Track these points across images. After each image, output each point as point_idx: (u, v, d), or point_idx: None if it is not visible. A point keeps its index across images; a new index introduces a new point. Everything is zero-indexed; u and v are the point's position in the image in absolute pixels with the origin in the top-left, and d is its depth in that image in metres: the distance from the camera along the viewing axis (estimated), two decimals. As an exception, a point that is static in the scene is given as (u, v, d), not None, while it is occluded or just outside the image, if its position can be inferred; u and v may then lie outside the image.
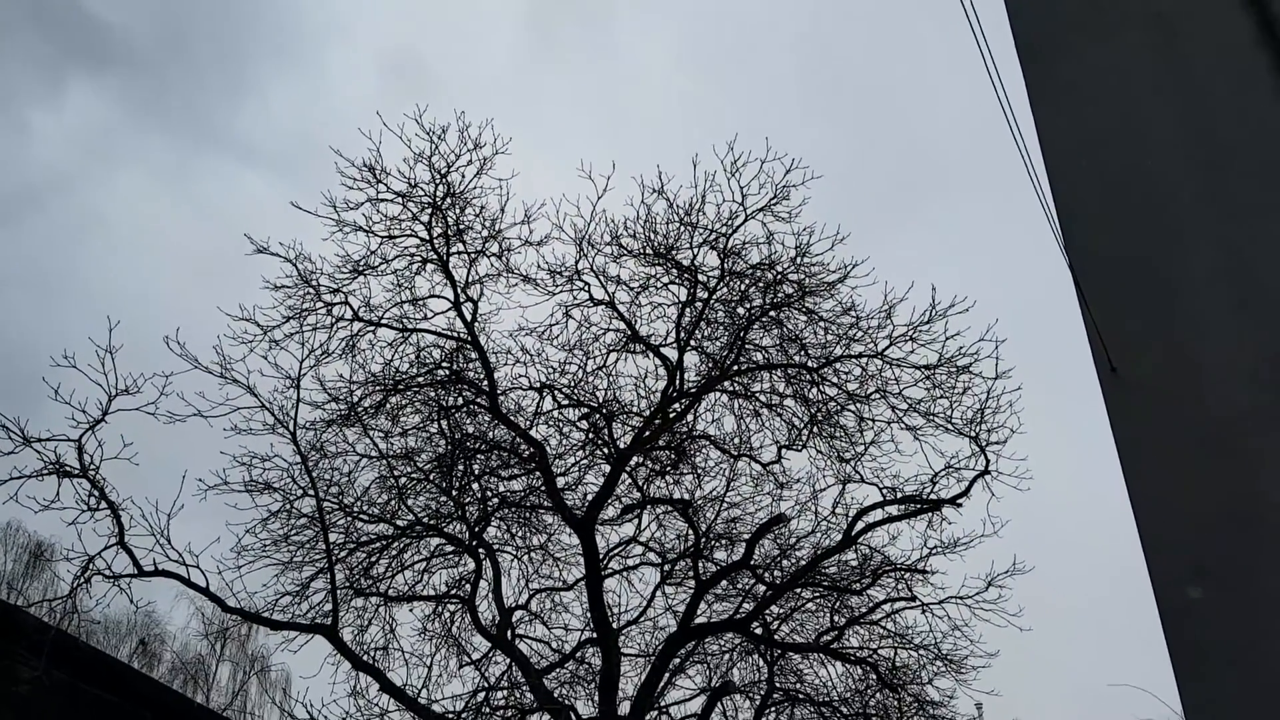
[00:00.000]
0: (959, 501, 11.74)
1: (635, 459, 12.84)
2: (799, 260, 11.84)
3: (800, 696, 13.47)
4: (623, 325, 12.42)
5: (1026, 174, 5.90)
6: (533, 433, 12.80)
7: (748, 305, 12.39)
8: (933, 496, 11.95)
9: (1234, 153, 6.17)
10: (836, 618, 13.19)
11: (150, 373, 10.25)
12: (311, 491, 12.00)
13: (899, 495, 12.34)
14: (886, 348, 11.69)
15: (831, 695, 13.26)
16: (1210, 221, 6.02)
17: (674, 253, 11.97)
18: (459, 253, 12.21)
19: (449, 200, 11.94)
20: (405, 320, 12.43)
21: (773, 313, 12.31)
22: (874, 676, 12.77)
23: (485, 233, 12.18)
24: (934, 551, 12.12)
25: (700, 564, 12.89)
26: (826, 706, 13.20)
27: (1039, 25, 7.12)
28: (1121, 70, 6.66)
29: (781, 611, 13.61)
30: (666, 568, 13.95)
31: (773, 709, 13.21)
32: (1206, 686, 4.96)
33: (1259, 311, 5.68)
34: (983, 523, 11.62)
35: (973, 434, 11.48)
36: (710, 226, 11.88)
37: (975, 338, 11.26)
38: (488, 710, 11.08)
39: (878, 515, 12.46)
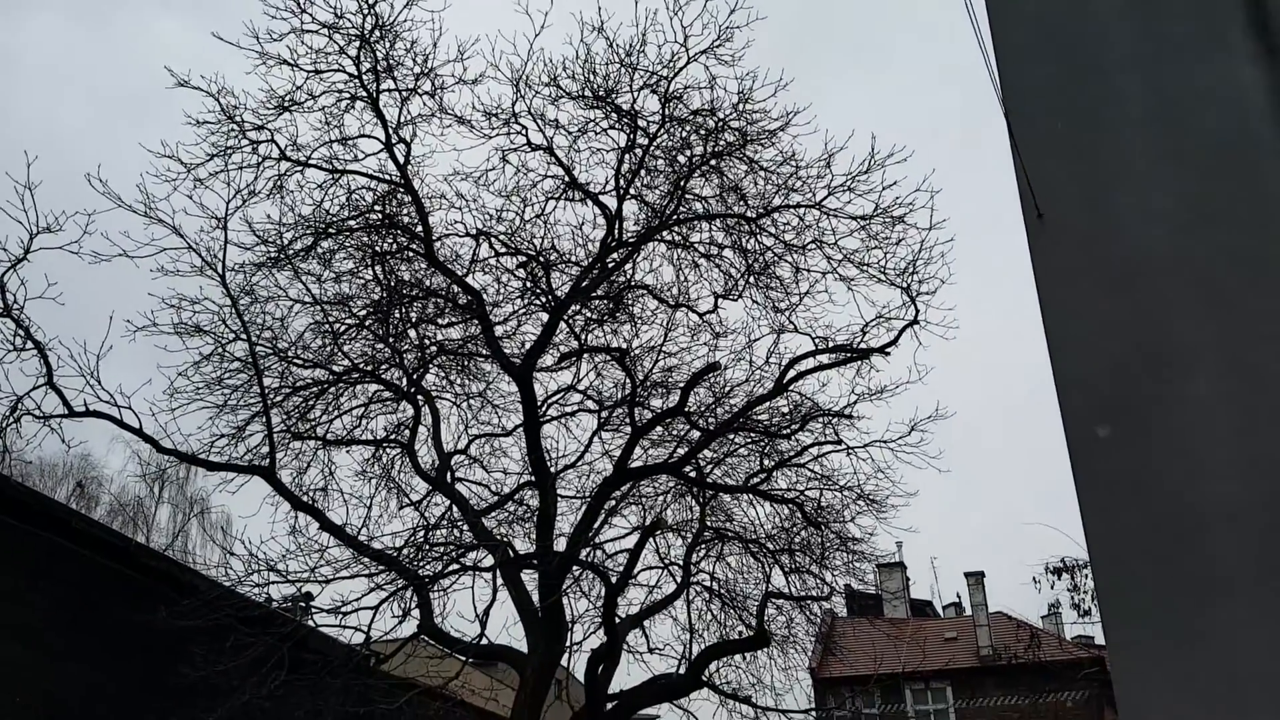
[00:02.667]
0: (887, 350, 12.05)
1: (573, 308, 12.87)
2: (741, 107, 11.65)
3: (729, 534, 14.03)
4: (561, 171, 12.21)
5: (968, 17, 5.84)
6: (470, 280, 12.72)
7: (688, 153, 12.24)
8: (862, 346, 12.24)
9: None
10: (766, 461, 13.65)
11: (72, 211, 9.94)
12: (244, 336, 11.87)
13: (830, 345, 12.61)
14: (825, 198, 11.70)
15: (758, 533, 13.85)
16: (1142, 66, 6.06)
17: (614, 96, 11.69)
18: (390, 90, 11.77)
19: (378, 33, 11.43)
20: (335, 161, 12.06)
21: (713, 161, 12.19)
22: (799, 515, 13.32)
23: (417, 69, 11.73)
24: (861, 398, 12.50)
25: (636, 411, 13.13)
26: (754, 543, 13.79)
27: None
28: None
29: (714, 456, 14.01)
30: (604, 414, 14.21)
31: (703, 546, 13.75)
32: (1109, 518, 5.27)
33: (1181, 157, 5.79)
34: (909, 370, 11.97)
35: (904, 284, 11.69)
36: (651, 69, 11.58)
37: (911, 188, 11.32)
38: (427, 548, 11.35)
39: (809, 364, 12.77)
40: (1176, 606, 5.02)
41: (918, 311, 11.74)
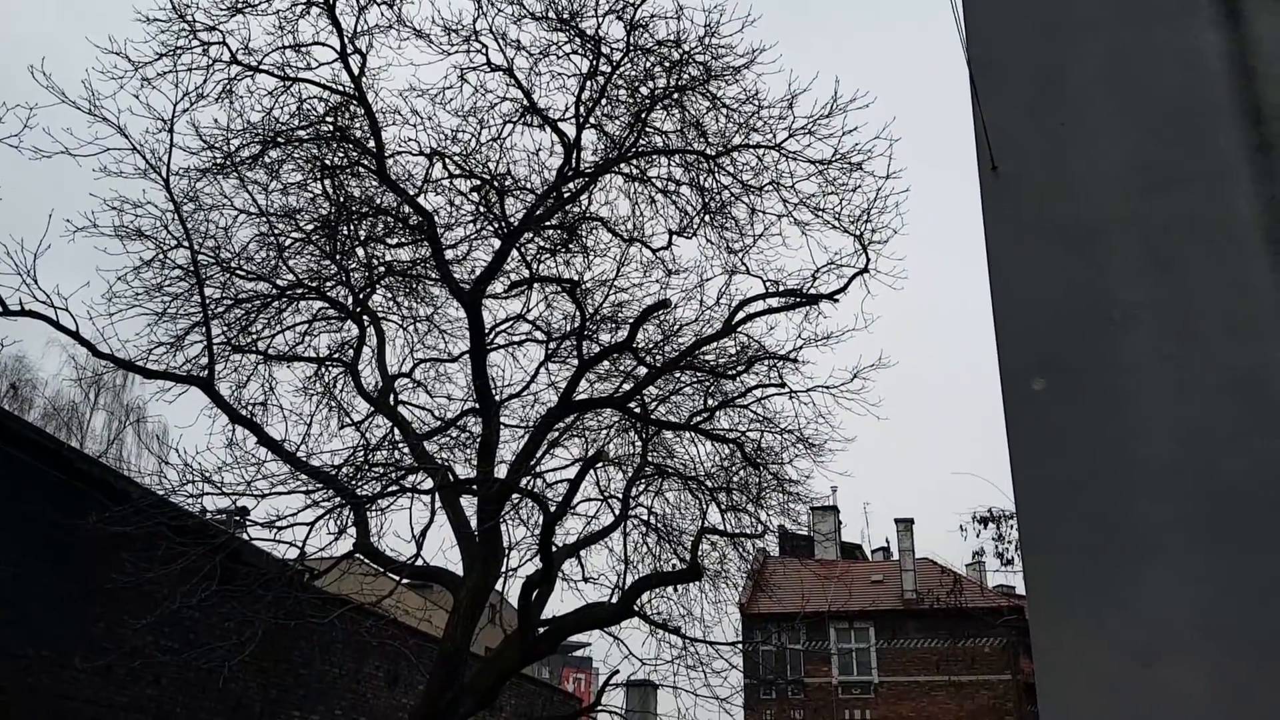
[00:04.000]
0: (836, 297, 12.14)
1: (526, 236, 12.73)
2: (707, 40, 11.49)
3: (669, 470, 14.18)
4: (520, 95, 11.99)
5: (939, -39, 5.78)
6: (421, 201, 12.51)
7: (651, 85, 12.07)
8: (812, 291, 12.31)
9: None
10: (710, 400, 13.76)
11: (13, 104, 9.56)
12: (186, 243, 11.59)
13: (781, 289, 12.67)
14: (785, 139, 11.66)
15: (698, 470, 14.01)
16: (1106, 26, 6.07)
17: (578, 19, 11.46)
18: (346, -4, 11.42)
19: (337, -66, 11.05)
20: (287, 68, 11.71)
21: (676, 95, 12.04)
22: (739, 455, 13.48)
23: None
24: (808, 343, 12.61)
25: (584, 344, 13.12)
26: (693, 480, 13.96)
27: None
28: None
29: (660, 393, 14.09)
30: (551, 345, 14.18)
31: (643, 480, 13.87)
32: (1038, 471, 5.38)
33: (1138, 118, 5.83)
34: (855, 318, 12.09)
35: (857, 232, 11.74)
36: (619, -7, 11.36)
37: (871, 135, 11.31)
38: (367, 468, 11.31)
39: (758, 306, 12.84)
40: (1098, 562, 5.16)
41: (868, 260, 11.83)
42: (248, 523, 10.62)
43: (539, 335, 14.22)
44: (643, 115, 12.05)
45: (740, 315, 12.79)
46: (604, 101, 12.03)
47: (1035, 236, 5.78)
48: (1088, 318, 5.53)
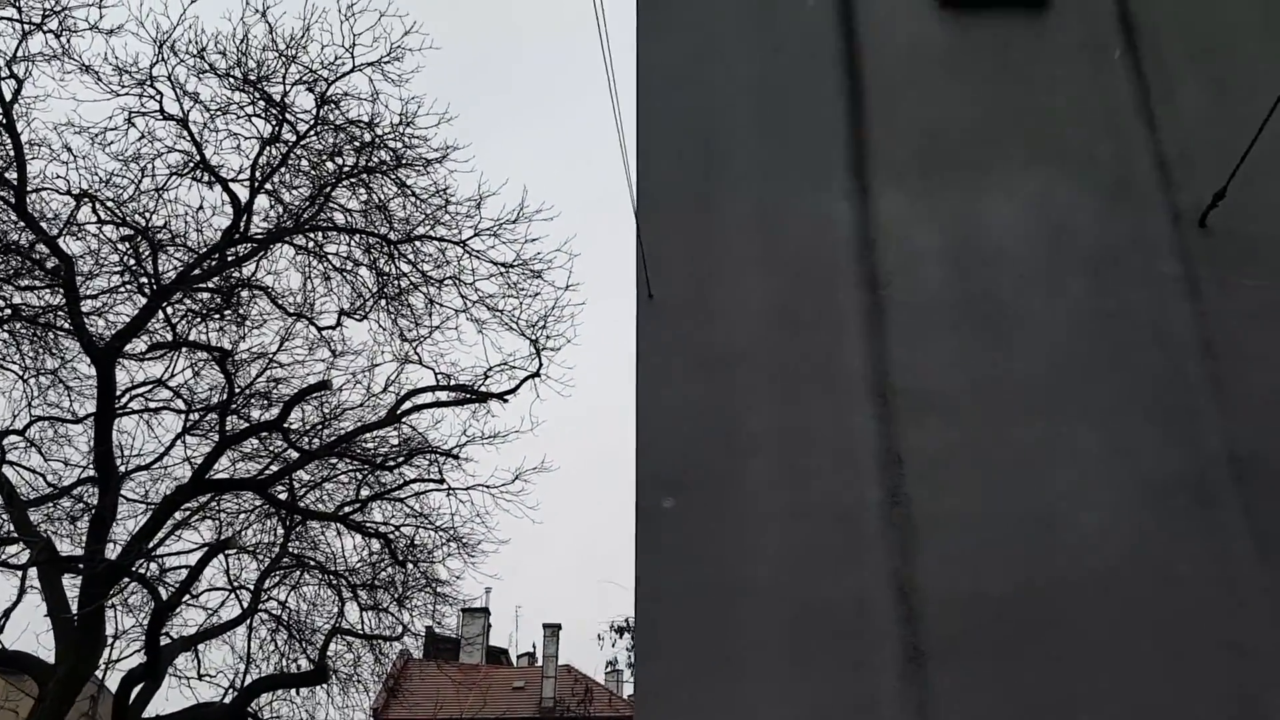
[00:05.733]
0: (506, 398, 12.25)
1: (177, 296, 11.84)
2: (401, 128, 11.49)
3: (311, 563, 13.42)
4: (192, 148, 11.30)
5: (613, 109, 6.14)
6: (62, 243, 11.32)
7: (338, 161, 11.82)
8: (483, 389, 12.35)
9: (787, 121, 6.89)
10: (365, 490, 13.28)
11: None
12: None
13: (452, 383, 12.60)
14: (470, 237, 11.79)
15: (343, 564, 13.38)
16: (758, 184, 6.69)
17: (265, 83, 11.06)
18: (9, 19, 10.36)
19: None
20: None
21: (364, 175, 11.86)
22: (388, 551, 13.04)
23: (46, 4, 10.42)
24: (473, 440, 12.57)
25: (230, 418, 12.28)
26: (335, 575, 13.29)
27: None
28: (717, 20, 7.20)
29: (311, 479, 13.42)
30: (194, 417, 13.14)
31: (279, 571, 13.03)
32: (658, 585, 5.58)
33: (777, 267, 6.42)
34: (522, 420, 12.24)
35: (533, 337, 11.98)
36: (312, 66, 11.12)
37: (554, 246, 11.70)
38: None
39: (427, 399, 12.68)
40: (705, 676, 5.40)
41: (541, 365, 12.07)
42: None
43: (180, 404, 13.15)
44: (326, 189, 11.73)
45: (407, 405, 12.58)
46: (284, 169, 11.61)
47: (679, 362, 6.15)
48: (718, 442, 5.91)
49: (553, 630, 35.67)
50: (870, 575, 5.55)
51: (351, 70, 11.16)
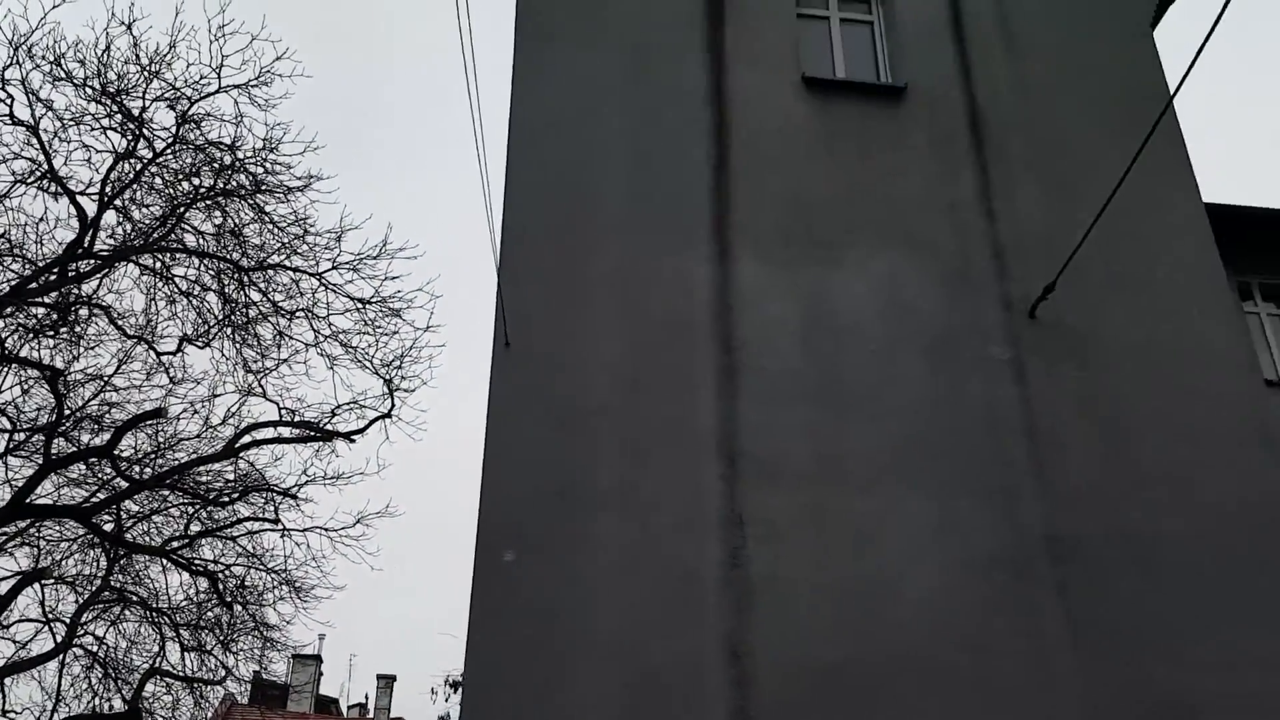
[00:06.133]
0: (354, 438, 11.90)
1: (9, 309, 11.12)
2: (264, 153, 11.16)
3: (134, 599, 12.64)
4: (40, 156, 10.71)
5: (477, 154, 6.15)
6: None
7: (195, 182, 11.39)
8: (329, 427, 11.96)
9: (656, 184, 7.03)
10: (195, 526, 12.63)
11: None
12: None
13: (297, 419, 12.17)
14: (327, 270, 11.47)
15: (167, 602, 12.66)
16: (622, 248, 6.78)
17: (124, 97, 10.62)
18: None
19: None
20: None
21: (221, 198, 11.44)
22: (215, 591, 12.41)
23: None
24: (313, 480, 12.13)
25: (57, 441, 11.53)
26: (158, 612, 12.55)
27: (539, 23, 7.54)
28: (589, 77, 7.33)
29: (140, 510, 12.68)
30: (19, 437, 12.28)
31: (99, 605, 12.23)
32: (492, 639, 5.49)
33: (636, 328, 6.50)
34: (367, 461, 11.91)
35: (387, 376, 11.70)
36: (175, 84, 10.74)
37: (415, 286, 11.52)
38: None
39: (269, 434, 12.19)
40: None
41: (393, 406, 11.79)
42: None
43: (4, 423, 12.27)
44: (179, 210, 11.27)
45: (247, 439, 12.05)
46: (137, 186, 11.12)
47: (532, 413, 6.13)
48: (564, 497, 5.89)
49: (387, 681, 34.45)
50: (706, 637, 5.60)
51: (217, 91, 10.85)
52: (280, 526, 12.31)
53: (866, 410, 6.47)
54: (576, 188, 6.96)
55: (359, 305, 11.61)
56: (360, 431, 11.97)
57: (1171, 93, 6.19)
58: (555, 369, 6.30)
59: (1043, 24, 8.18)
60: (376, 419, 11.88)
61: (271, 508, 12.35)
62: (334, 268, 11.44)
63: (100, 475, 12.62)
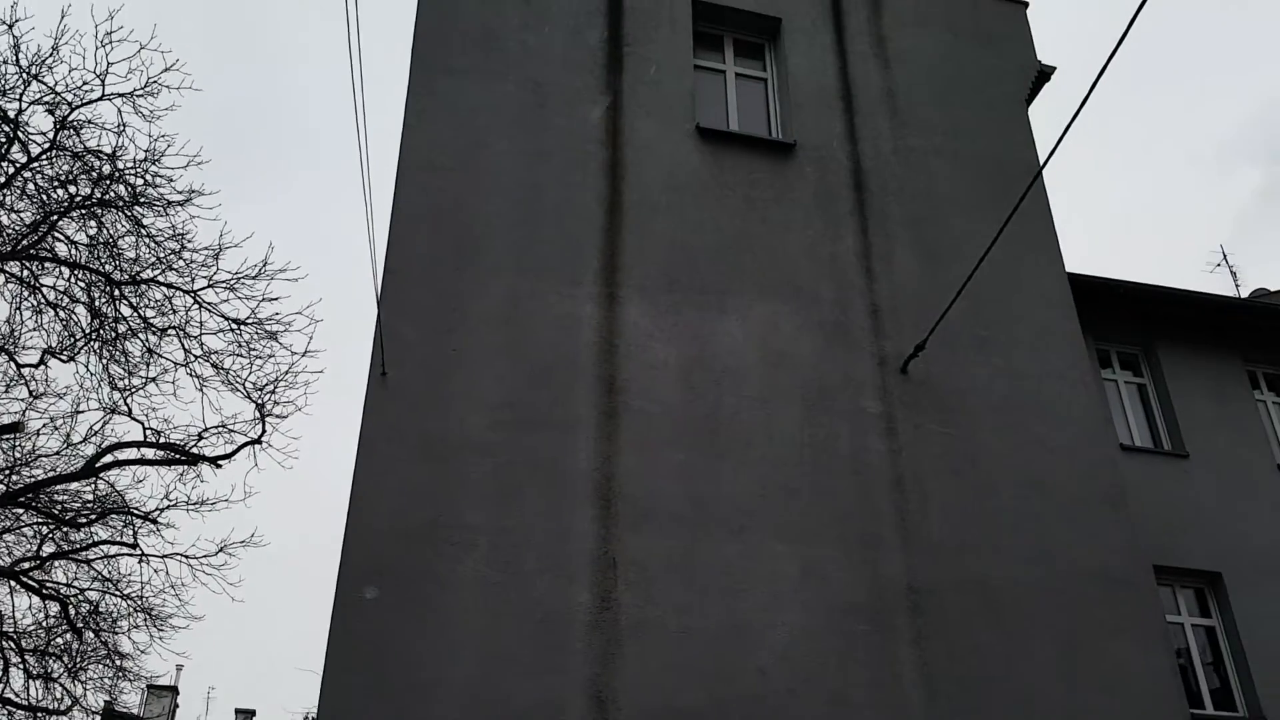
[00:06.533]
0: (221, 463, 11.49)
1: None
2: (146, 165, 10.78)
3: (-25, 623, 11.90)
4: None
5: (362, 177, 6.08)
6: None
7: (71, 189, 10.93)
8: (196, 450, 11.53)
9: (545, 222, 7.05)
10: (48, 547, 11.99)
11: None
12: None
13: (162, 440, 11.69)
14: (203, 288, 11.10)
15: (9, 626, 11.94)
16: (507, 289, 6.76)
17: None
18: None
19: None
20: None
21: (97, 208, 11.00)
22: (64, 616, 11.78)
23: None
24: (176, 505, 11.66)
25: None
26: (2, 635, 11.83)
27: (436, 55, 7.52)
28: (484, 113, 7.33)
29: (-15, 530, 11.97)
30: None
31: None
32: (348, 677, 5.34)
33: (518, 365, 6.46)
34: (233, 488, 11.52)
35: (259, 401, 11.35)
36: (55, 88, 10.33)
37: (295, 309, 11.24)
38: None
39: (132, 454, 11.69)
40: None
41: (264, 432, 11.43)
42: None
43: None
44: (51, 217, 10.79)
45: (108, 459, 11.51)
46: (7, 191, 10.61)
47: (404, 446, 6.02)
48: (432, 533, 5.79)
49: (246, 716, 33.12)
50: (569, 682, 5.56)
51: (101, 98, 10.47)
52: (139, 551, 11.79)
53: (741, 455, 6.56)
54: (465, 221, 6.92)
55: (234, 326, 11.26)
56: (228, 456, 11.57)
57: (1039, 167, 6.54)
58: (431, 403, 6.21)
59: (926, 96, 8.54)
60: (246, 444, 11.50)
61: (130, 531, 11.82)
62: (210, 286, 11.08)
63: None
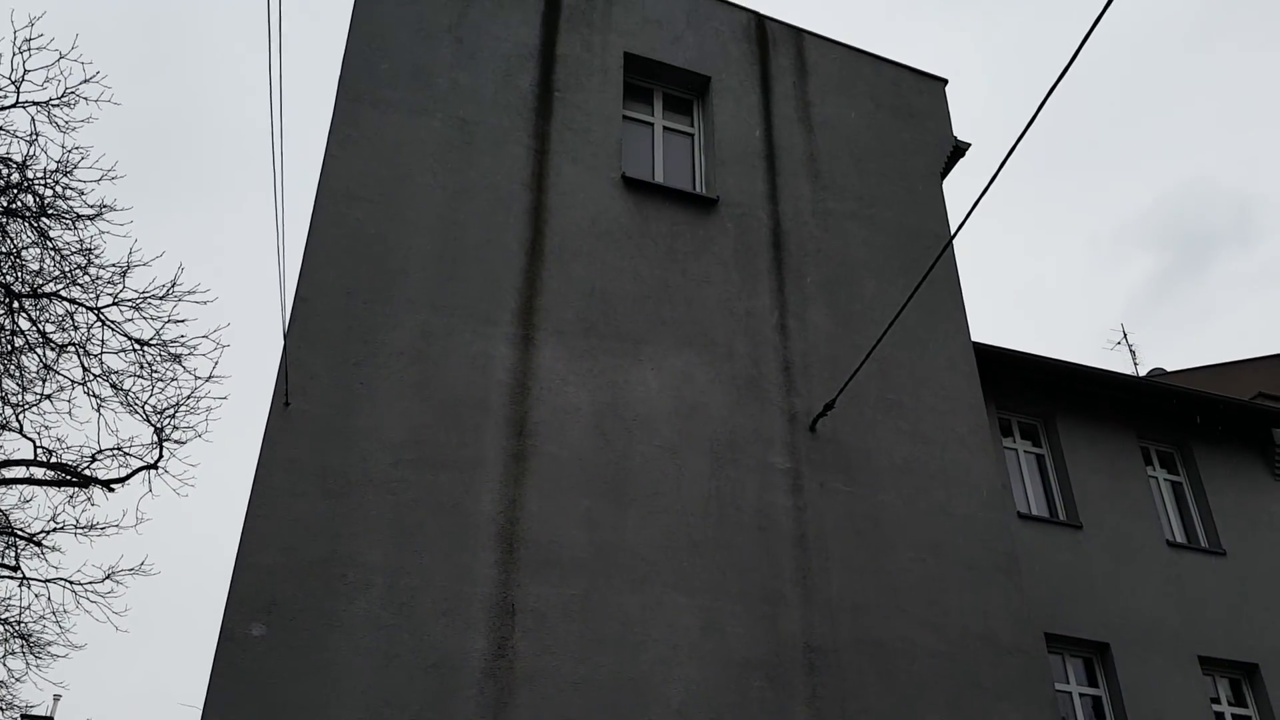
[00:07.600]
0: (113, 486, 11.06)
1: None
2: (57, 175, 10.46)
3: None
4: None
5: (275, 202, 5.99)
6: None
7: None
8: (88, 472, 11.09)
9: (464, 260, 7.01)
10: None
11: None
12: None
13: (53, 460, 11.23)
14: (107, 305, 10.75)
15: None
16: (421, 327, 6.69)
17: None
18: None
19: None
20: None
21: (2, 218, 10.61)
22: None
23: None
24: (63, 528, 11.18)
25: None
26: None
27: (363, 85, 7.47)
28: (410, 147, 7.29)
29: None
30: None
31: None
32: (230, 715, 5.14)
33: (425, 401, 6.37)
34: (125, 513, 11.11)
35: (158, 424, 10.99)
36: (-37, 90, 9.99)
37: (201, 332, 10.95)
38: None
39: (19, 473, 11.19)
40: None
41: (162, 456, 11.05)
42: None
43: None
44: (-50, 224, 10.37)
45: (-8, 477, 11.00)
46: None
47: (302, 479, 5.86)
48: (325, 571, 5.63)
49: (132, 751, 31.73)
50: (458, 728, 5.43)
51: (14, 105, 10.16)
52: (19, 575, 11.24)
53: (648, 505, 6.55)
54: (382, 254, 6.84)
55: (137, 346, 10.91)
56: (122, 480, 11.14)
57: (949, 237, 6.73)
58: (334, 436, 6.08)
59: (846, 163, 8.76)
60: (141, 469, 11.10)
61: (12, 553, 11.27)
62: (115, 304, 10.74)
63: None
